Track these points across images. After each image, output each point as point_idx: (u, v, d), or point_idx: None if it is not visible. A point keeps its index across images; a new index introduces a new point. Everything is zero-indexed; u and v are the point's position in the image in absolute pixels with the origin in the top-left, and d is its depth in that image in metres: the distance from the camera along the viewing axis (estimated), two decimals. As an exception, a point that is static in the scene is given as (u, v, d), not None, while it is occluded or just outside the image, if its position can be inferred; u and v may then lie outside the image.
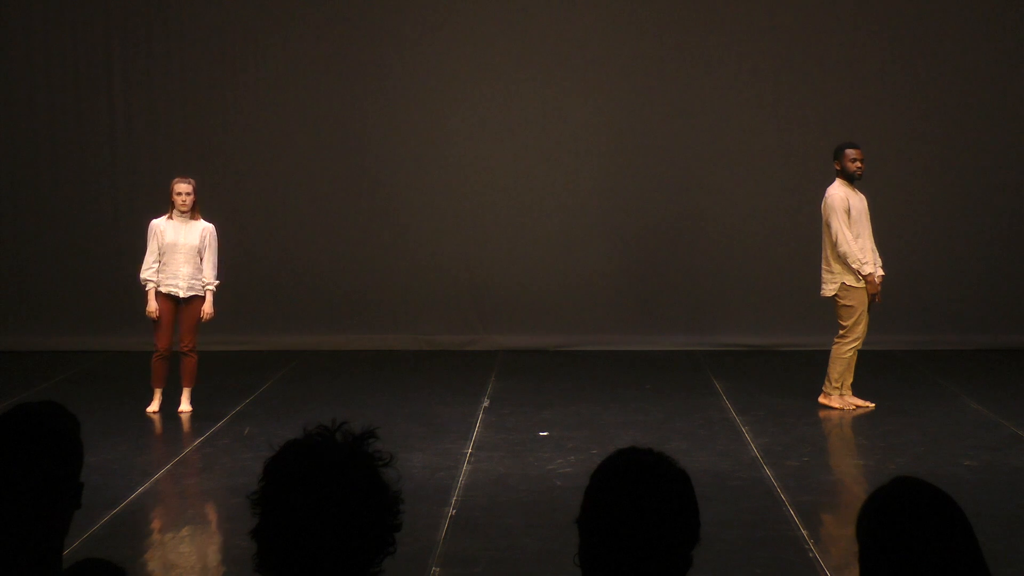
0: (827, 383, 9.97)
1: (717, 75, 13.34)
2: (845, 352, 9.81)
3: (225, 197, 13.38)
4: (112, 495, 7.47)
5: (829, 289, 9.94)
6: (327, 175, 13.54)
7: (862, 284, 9.79)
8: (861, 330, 9.77)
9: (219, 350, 12.75)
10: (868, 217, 9.99)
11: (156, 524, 7.24)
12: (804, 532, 6.73)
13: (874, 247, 10.00)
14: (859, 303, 9.81)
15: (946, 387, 11.03)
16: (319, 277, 13.49)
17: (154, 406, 10.05)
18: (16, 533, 2.49)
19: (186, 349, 10.01)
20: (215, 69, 13.51)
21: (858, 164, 9.89)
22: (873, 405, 10.01)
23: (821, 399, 9.96)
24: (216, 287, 10.04)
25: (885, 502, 2.44)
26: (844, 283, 9.85)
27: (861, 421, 9.77)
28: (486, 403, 10.46)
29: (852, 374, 10.04)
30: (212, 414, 9.92)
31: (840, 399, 9.92)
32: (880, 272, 9.95)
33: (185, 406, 10.06)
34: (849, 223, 9.81)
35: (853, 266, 9.78)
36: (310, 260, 13.52)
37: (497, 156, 13.47)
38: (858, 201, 9.93)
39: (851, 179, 9.91)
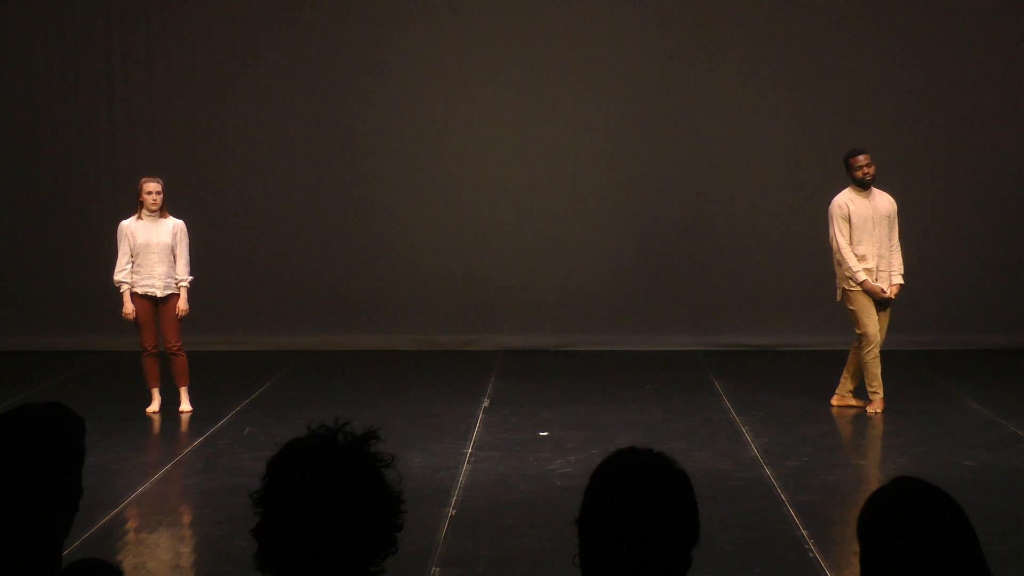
0: (869, 392, 9.93)
1: (718, 76, 13.33)
2: (866, 357, 9.79)
3: (225, 197, 13.41)
4: (112, 495, 7.47)
5: (838, 294, 9.97)
6: (327, 175, 13.54)
7: (858, 288, 9.78)
8: (872, 333, 9.73)
9: (218, 350, 12.78)
10: (885, 223, 9.87)
11: (156, 524, 7.23)
12: (804, 532, 6.73)
13: (889, 254, 9.86)
14: (859, 307, 9.80)
15: (946, 387, 11.04)
16: (319, 277, 13.49)
17: (154, 406, 10.05)
18: (16, 533, 2.49)
19: (174, 349, 9.99)
20: (215, 69, 13.51)
21: (865, 170, 9.85)
22: (862, 403, 10.02)
23: (868, 408, 9.92)
24: (190, 283, 10.03)
25: (886, 502, 2.45)
26: (844, 288, 9.86)
27: (861, 421, 9.77)
28: (486, 403, 10.46)
29: (858, 379, 10.02)
30: (212, 414, 9.92)
31: (881, 402, 9.88)
32: (896, 281, 9.90)
33: (185, 406, 10.06)
34: (850, 230, 9.80)
35: (847, 273, 9.80)
36: (310, 260, 13.52)
37: (498, 156, 13.47)
38: (865, 207, 9.85)
39: (861, 185, 9.88)
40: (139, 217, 9.96)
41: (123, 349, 12.07)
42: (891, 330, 10.06)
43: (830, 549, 6.49)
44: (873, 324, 9.76)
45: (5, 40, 13.57)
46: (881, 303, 9.86)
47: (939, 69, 13.23)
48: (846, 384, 10.11)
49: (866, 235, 9.84)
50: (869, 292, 9.78)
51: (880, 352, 9.84)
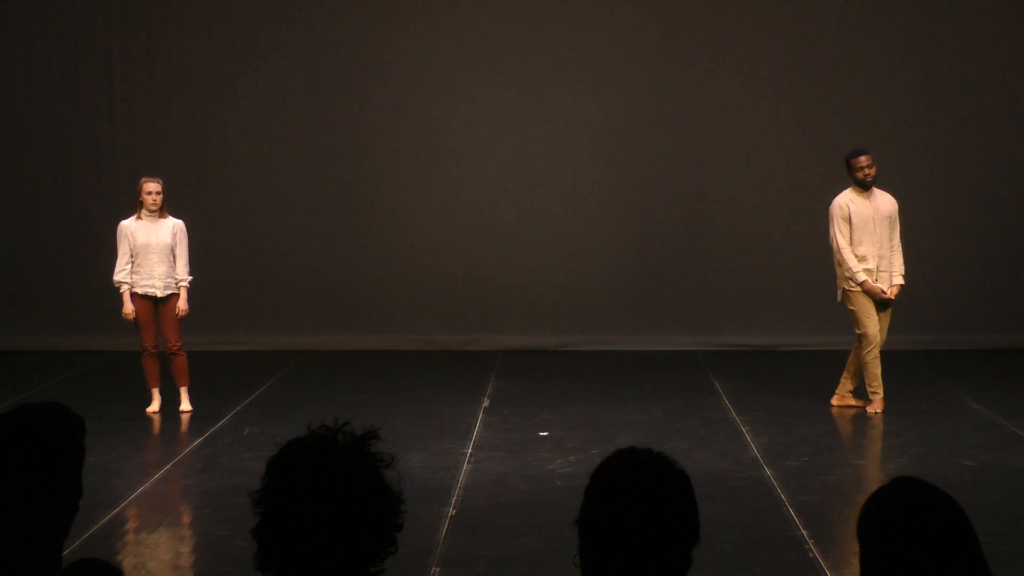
0: (869, 392, 9.93)
1: (718, 76, 13.33)
2: (866, 357, 9.79)
3: (225, 197, 13.41)
4: (112, 495, 7.47)
5: (838, 295, 9.96)
6: (327, 175, 13.54)
7: (858, 288, 9.79)
8: (872, 333, 9.73)
9: (218, 350, 12.77)
10: (886, 223, 9.86)
11: (156, 524, 7.23)
12: (804, 532, 6.73)
13: (890, 254, 9.86)
14: (859, 308, 9.80)
15: (946, 387, 11.04)
16: (319, 277, 13.49)
17: (154, 406, 10.05)
18: (16, 533, 2.49)
19: (174, 349, 9.99)
20: (215, 69, 13.51)
21: (866, 171, 9.84)
22: (862, 403, 10.03)
23: (868, 408, 9.92)
24: (189, 283, 10.03)
25: (886, 502, 2.45)
26: (844, 288, 9.87)
27: (861, 421, 9.77)
28: (486, 403, 10.46)
29: (858, 379, 10.02)
30: (212, 414, 9.92)
31: (881, 402, 9.89)
32: (897, 281, 9.89)
33: (185, 405, 10.06)
34: (850, 230, 9.80)
35: (847, 274, 9.80)
36: (310, 260, 13.52)
37: (498, 156, 13.47)
38: (866, 207, 9.84)
39: (862, 185, 9.87)
40: (139, 217, 9.96)
41: (123, 349, 12.07)
42: (891, 330, 10.05)
43: (830, 549, 6.49)
44: (873, 324, 9.76)
45: (5, 40, 13.57)
46: (882, 303, 9.87)
47: (939, 69, 13.22)
48: (846, 384, 10.12)
49: (866, 236, 9.84)
50: (869, 292, 9.78)
51: (880, 352, 9.85)
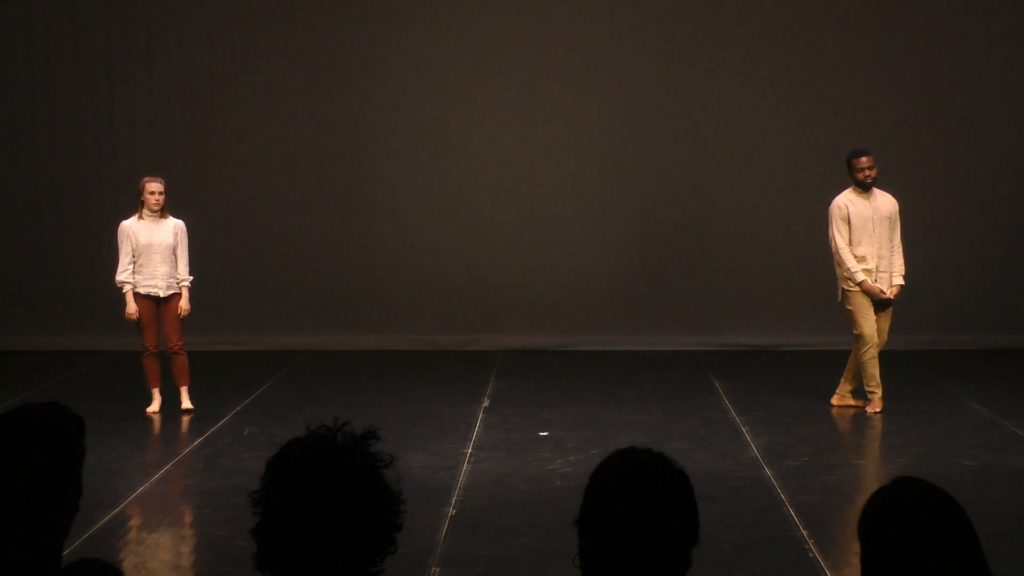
0: (867, 392, 9.92)
1: (718, 76, 13.32)
2: (863, 357, 9.78)
3: (225, 197, 13.41)
4: (112, 495, 7.47)
5: (839, 295, 9.96)
6: (327, 175, 13.54)
7: (856, 288, 9.79)
8: (868, 334, 9.72)
9: (218, 350, 12.77)
10: (886, 224, 9.86)
11: (156, 524, 7.24)
12: (804, 532, 6.73)
13: (890, 255, 9.85)
14: (857, 308, 9.80)
15: (946, 387, 11.04)
16: (319, 277, 13.49)
17: (154, 406, 10.05)
18: (16, 533, 2.49)
19: (175, 348, 10.00)
20: (215, 69, 13.51)
21: (866, 172, 9.84)
22: (862, 403, 10.02)
23: (867, 408, 9.91)
24: (191, 283, 10.04)
25: (886, 502, 2.45)
26: (843, 288, 9.87)
27: (861, 421, 9.77)
28: (486, 403, 10.46)
29: (858, 380, 10.01)
30: (212, 414, 9.92)
31: (879, 402, 9.88)
32: (896, 281, 9.89)
33: (186, 404, 10.06)
34: (849, 231, 9.80)
35: (845, 274, 9.80)
36: (310, 260, 13.52)
37: (498, 156, 13.47)
38: (865, 208, 9.85)
39: (861, 186, 9.87)
40: (140, 217, 9.96)
41: (123, 349, 12.06)
42: (891, 330, 10.05)
43: (830, 549, 6.49)
44: (870, 325, 9.76)
45: (5, 40, 13.57)
46: (881, 304, 9.86)
47: (939, 69, 13.22)
48: (846, 384, 10.11)
49: (865, 236, 9.84)
50: (868, 293, 9.78)
51: (880, 352, 9.84)
